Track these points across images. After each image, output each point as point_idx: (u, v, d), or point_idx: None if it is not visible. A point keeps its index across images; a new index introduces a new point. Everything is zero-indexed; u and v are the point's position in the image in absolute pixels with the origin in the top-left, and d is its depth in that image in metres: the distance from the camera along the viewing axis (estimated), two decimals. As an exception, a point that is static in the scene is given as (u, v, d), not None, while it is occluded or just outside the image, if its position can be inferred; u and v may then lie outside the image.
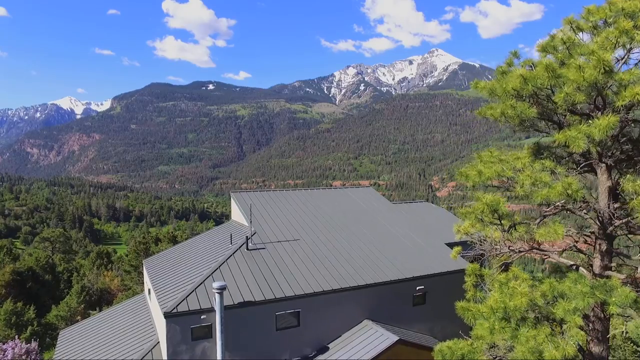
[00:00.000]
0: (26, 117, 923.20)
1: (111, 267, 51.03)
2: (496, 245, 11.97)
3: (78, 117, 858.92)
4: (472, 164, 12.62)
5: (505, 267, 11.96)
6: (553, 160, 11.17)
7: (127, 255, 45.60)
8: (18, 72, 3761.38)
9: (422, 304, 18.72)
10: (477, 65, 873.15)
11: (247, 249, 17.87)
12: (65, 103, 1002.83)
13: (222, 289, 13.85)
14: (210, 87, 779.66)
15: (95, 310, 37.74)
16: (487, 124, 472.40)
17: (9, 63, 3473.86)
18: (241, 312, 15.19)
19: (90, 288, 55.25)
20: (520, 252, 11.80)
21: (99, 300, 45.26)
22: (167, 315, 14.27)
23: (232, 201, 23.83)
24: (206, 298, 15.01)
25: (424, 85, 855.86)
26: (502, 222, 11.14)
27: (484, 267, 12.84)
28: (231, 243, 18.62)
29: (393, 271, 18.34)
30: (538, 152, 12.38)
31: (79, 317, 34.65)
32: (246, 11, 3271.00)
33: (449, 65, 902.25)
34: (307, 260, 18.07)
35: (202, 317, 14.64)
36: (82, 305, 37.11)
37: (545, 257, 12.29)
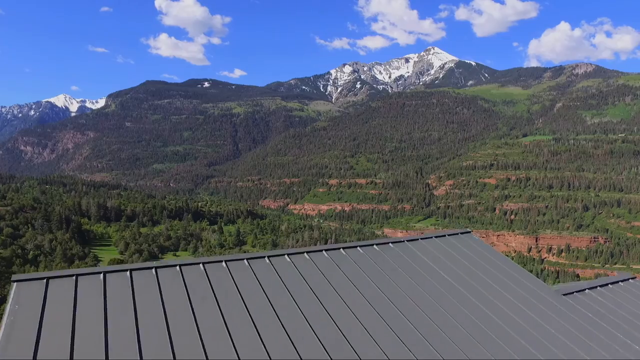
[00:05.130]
0: (20, 115, 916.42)
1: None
2: None
3: (72, 114, 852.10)
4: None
5: None
6: None
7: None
8: (11, 69, 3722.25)
9: None
10: (473, 64, 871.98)
11: None
12: (59, 101, 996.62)
13: None
14: (206, 84, 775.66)
15: None
16: (484, 122, 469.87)
17: (2, 60, 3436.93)
18: None
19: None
20: None
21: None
22: None
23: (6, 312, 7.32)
24: None
25: (421, 83, 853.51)
26: None
27: None
28: None
29: None
30: None
31: None
32: (241, 9, 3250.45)
33: (446, 63, 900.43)
34: None
35: None
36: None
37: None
